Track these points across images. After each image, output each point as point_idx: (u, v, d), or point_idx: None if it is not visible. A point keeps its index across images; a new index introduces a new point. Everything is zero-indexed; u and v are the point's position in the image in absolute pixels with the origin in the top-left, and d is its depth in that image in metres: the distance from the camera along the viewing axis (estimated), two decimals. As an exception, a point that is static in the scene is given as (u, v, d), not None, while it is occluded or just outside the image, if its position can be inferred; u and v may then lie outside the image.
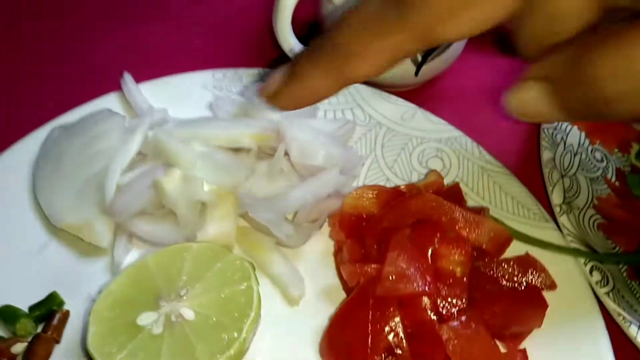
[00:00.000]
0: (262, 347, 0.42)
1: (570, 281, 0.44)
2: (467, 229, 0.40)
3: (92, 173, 0.47)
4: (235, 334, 0.37)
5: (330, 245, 0.48)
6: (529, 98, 0.27)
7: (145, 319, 0.38)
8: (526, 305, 0.41)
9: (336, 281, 0.46)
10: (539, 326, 0.42)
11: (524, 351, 0.41)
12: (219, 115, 0.50)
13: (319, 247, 0.48)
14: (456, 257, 0.40)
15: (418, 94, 0.59)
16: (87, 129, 0.48)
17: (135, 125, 0.48)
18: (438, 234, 0.41)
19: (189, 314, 0.38)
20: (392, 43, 0.27)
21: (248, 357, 0.41)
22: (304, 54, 0.31)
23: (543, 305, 0.42)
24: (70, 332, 0.42)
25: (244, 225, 0.48)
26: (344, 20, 0.28)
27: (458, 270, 0.40)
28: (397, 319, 0.39)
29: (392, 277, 0.39)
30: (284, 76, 0.32)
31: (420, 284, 0.39)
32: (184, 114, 0.52)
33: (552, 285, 0.43)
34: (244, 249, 0.47)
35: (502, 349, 0.41)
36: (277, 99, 0.32)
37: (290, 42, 0.51)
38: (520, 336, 0.41)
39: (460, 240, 0.40)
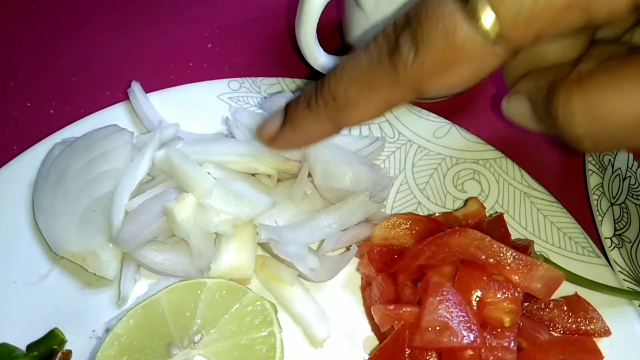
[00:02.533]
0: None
1: (625, 326, 0.40)
2: (518, 273, 0.36)
3: (97, 196, 0.42)
4: (257, 390, 0.33)
5: (357, 278, 0.44)
6: (516, 109, 0.30)
7: (156, 369, 0.34)
8: (579, 355, 0.37)
9: (364, 320, 0.42)
10: None
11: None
12: (235, 131, 0.45)
13: (345, 280, 0.44)
14: (505, 305, 0.36)
15: (452, 107, 0.54)
16: (91, 146, 0.44)
17: (144, 142, 0.44)
18: (485, 278, 0.36)
19: (204, 364, 0.34)
20: (385, 95, 0.29)
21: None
22: (300, 101, 0.33)
23: (597, 355, 0.37)
24: (73, 374, 0.39)
25: (263, 254, 0.44)
26: (340, 71, 0.31)
27: (507, 320, 0.35)
28: (437, 372, 0.35)
29: (433, 328, 0.35)
30: (280, 121, 0.35)
31: (465, 336, 0.34)
32: (197, 128, 0.47)
33: (606, 332, 0.39)
34: (262, 281, 0.43)
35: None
36: (274, 143, 0.36)
37: (317, 59, 0.46)
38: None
39: (509, 285, 0.36)
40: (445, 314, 0.35)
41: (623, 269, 0.42)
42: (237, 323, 0.36)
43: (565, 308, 0.39)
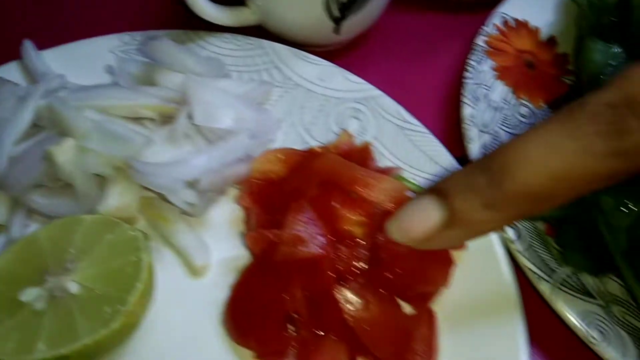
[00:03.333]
0: (160, 321, 0.41)
1: (482, 242, 0.43)
2: (368, 189, 0.39)
3: (-17, 146, 0.44)
4: (120, 307, 0.35)
5: (241, 215, 0.46)
6: None
7: (27, 294, 0.36)
8: (431, 263, 0.40)
9: (245, 251, 0.44)
10: (446, 285, 0.41)
11: (430, 311, 0.40)
12: (119, 80, 0.47)
13: (230, 216, 0.46)
14: (356, 218, 0.38)
15: (341, 54, 0.57)
16: (-23, 99, 0.45)
17: (29, 92, 0.45)
18: (339, 196, 0.39)
19: (73, 287, 0.37)
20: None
21: (144, 332, 0.40)
22: (470, 199, 0.27)
23: (448, 262, 0.40)
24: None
25: (150, 195, 0.46)
26: (536, 168, 0.26)
27: (358, 231, 0.38)
28: (296, 285, 0.38)
29: (289, 242, 0.37)
30: (437, 217, 0.28)
31: (317, 246, 0.37)
32: (87, 80, 0.49)
33: (461, 245, 0.42)
34: (148, 221, 0.45)
35: (411, 311, 0.40)
36: (431, 242, 0.29)
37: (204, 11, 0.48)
38: (428, 297, 0.40)
39: (360, 200, 0.39)
40: (300, 229, 0.38)
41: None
42: (109, 250, 0.38)
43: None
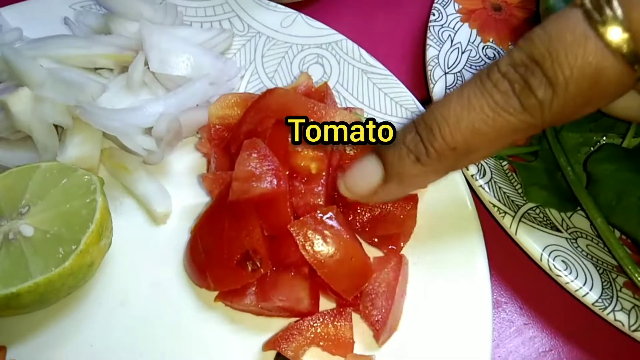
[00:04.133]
0: (122, 266, 0.40)
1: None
2: (320, 119, 0.38)
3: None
4: (73, 247, 0.35)
5: (203, 163, 0.46)
6: (626, 102, 0.31)
7: (-20, 238, 0.36)
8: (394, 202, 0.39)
9: (206, 198, 0.44)
10: (412, 225, 0.40)
11: (399, 257, 0.39)
12: (76, 31, 0.46)
13: (190, 164, 0.46)
14: (312, 154, 0.38)
15: (307, 5, 0.56)
16: None
17: (-15, 47, 0.45)
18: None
19: (27, 230, 0.36)
20: (514, 137, 0.29)
21: (106, 276, 0.40)
22: (404, 154, 0.31)
23: (412, 199, 0.40)
24: None
25: (111, 146, 0.46)
26: (454, 119, 0.28)
27: (313, 166, 0.38)
28: (254, 223, 0.37)
29: (242, 179, 0.37)
30: (379, 174, 0.32)
31: (270, 181, 0.37)
32: (44, 34, 0.48)
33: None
34: (109, 170, 0.45)
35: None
36: (375, 197, 0.34)
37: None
38: (395, 240, 0.40)
39: (315, 135, 0.38)
40: (253, 165, 0.37)
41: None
42: (63, 194, 0.38)
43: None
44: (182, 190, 0.44)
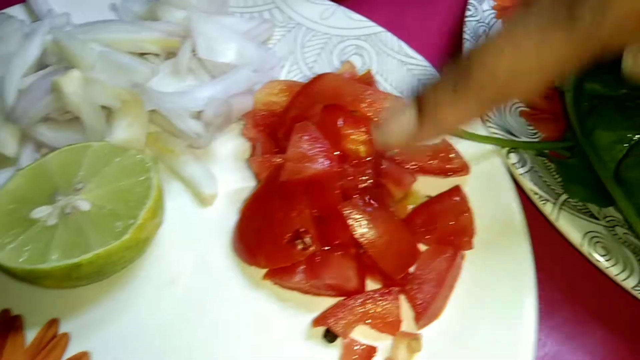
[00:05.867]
0: (170, 245, 0.41)
1: (487, 163, 0.44)
2: (372, 107, 0.39)
3: (-9, 80, 0.45)
4: (131, 221, 0.36)
5: (248, 147, 0.47)
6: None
7: (39, 212, 0.37)
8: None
9: (251, 183, 0.45)
10: (471, 219, 0.41)
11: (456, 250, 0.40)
12: (123, 17, 0.48)
13: (236, 149, 0.46)
14: (360, 137, 0.39)
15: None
16: (-17, 35, 0.46)
17: (34, 28, 0.46)
18: (343, 116, 0.39)
19: (84, 205, 0.37)
20: (559, 66, 0.27)
21: (155, 255, 0.41)
22: (439, 90, 0.29)
23: (457, 191, 0.41)
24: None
25: (156, 130, 0.46)
26: (494, 46, 0.27)
27: (362, 149, 0.39)
28: (304, 203, 0.38)
29: (294, 160, 0.38)
30: (413, 118, 0.30)
31: (321, 163, 0.38)
32: (91, 19, 0.49)
33: (464, 169, 0.42)
34: (155, 154, 0.45)
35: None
36: (414, 143, 0.32)
37: None
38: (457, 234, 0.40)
39: (364, 119, 0.39)
40: (305, 146, 0.38)
41: (488, 116, 0.46)
42: (117, 171, 0.39)
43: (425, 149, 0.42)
44: (226, 174, 0.45)
